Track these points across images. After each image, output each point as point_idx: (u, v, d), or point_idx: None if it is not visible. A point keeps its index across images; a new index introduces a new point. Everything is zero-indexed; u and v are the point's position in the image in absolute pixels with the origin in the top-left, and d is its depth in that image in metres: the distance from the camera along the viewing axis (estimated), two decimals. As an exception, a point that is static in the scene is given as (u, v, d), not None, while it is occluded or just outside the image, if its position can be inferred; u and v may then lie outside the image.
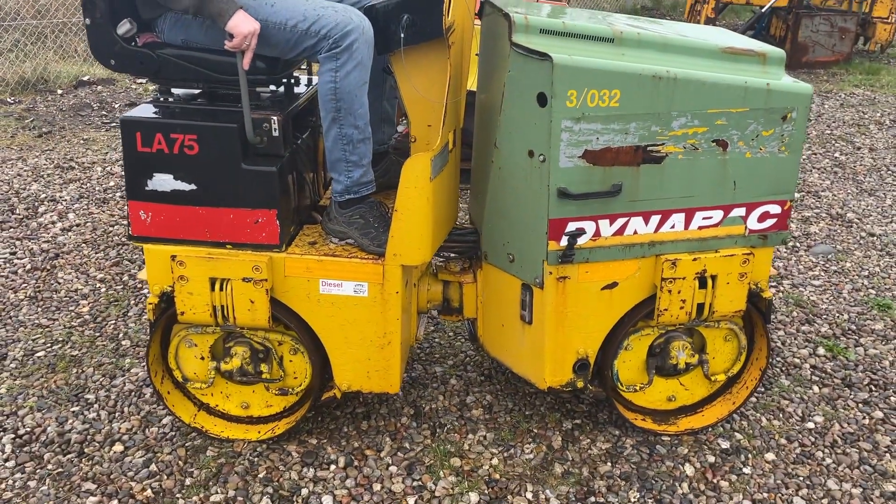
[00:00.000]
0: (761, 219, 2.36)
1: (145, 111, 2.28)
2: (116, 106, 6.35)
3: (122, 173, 2.45)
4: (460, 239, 2.57)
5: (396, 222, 2.24)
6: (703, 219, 2.32)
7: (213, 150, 2.18)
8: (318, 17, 2.15)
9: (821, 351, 3.08)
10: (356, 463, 2.42)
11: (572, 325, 2.35)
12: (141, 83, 7.00)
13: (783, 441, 2.55)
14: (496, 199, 2.37)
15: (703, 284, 2.34)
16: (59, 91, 6.65)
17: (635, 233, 2.28)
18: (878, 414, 2.68)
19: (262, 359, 2.47)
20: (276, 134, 2.21)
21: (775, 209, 2.36)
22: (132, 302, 3.30)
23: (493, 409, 2.67)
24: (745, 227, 2.36)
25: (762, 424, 2.61)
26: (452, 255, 2.62)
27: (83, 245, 3.79)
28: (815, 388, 2.83)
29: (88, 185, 4.56)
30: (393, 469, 2.39)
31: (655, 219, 2.28)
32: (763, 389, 2.78)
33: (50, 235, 3.90)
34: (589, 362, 2.40)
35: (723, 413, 2.62)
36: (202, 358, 2.47)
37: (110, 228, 4.00)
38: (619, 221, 2.25)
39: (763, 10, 8.56)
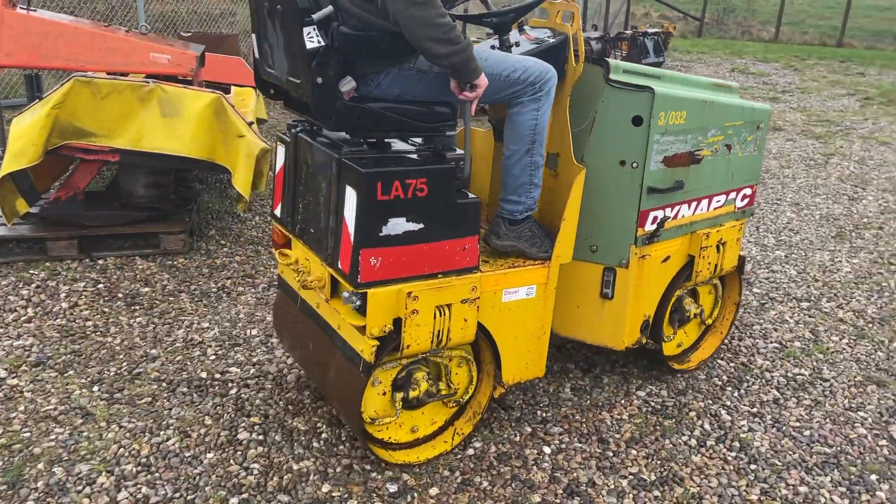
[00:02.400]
0: (743, 199, 3.26)
1: (376, 164, 2.28)
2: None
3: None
4: None
5: (564, 229, 2.66)
6: (716, 202, 3.13)
7: (439, 189, 2.33)
8: (525, 68, 2.53)
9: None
10: None
11: (643, 295, 2.93)
12: None
13: (446, 473, 2.65)
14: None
15: (718, 250, 3.10)
16: None
17: (682, 216, 2.98)
18: (528, 429, 2.93)
19: (435, 379, 2.62)
20: (465, 171, 2.46)
21: (749, 191, 3.29)
22: None
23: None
24: (735, 206, 3.23)
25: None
26: None
27: None
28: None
29: None
30: None
31: (693, 205, 3.01)
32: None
33: None
34: (650, 322, 3.02)
35: (716, 343, 3.44)
36: (384, 393, 2.53)
37: None
38: (677, 209, 2.93)
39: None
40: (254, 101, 5.16)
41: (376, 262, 2.29)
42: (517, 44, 2.76)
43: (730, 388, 3.24)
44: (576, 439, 2.83)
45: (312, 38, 2.16)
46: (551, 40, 2.78)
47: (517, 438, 2.81)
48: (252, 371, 3.19)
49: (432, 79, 2.42)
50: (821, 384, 3.31)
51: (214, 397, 2.99)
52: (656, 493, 2.57)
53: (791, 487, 2.62)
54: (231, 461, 2.61)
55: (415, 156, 2.42)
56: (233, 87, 5.25)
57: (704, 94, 2.97)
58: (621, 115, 2.73)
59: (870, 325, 3.92)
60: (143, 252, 4.29)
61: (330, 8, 2.19)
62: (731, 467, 2.71)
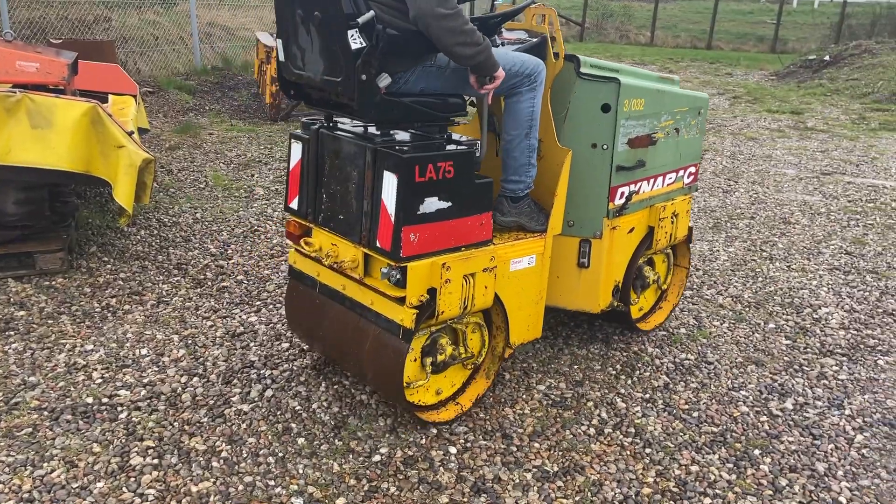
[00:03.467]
0: (689, 176, 3.70)
1: (412, 151, 2.53)
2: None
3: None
4: None
5: (556, 204, 3.03)
6: (669, 179, 3.54)
7: (462, 171, 2.62)
8: (522, 62, 2.84)
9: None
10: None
11: (613, 262, 3.30)
12: None
13: (353, 482, 2.61)
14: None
15: (672, 221, 3.53)
16: None
17: (644, 192, 3.36)
18: (433, 431, 2.95)
19: (455, 344, 2.89)
20: (481, 154, 2.84)
21: (693, 169, 3.74)
22: None
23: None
24: (683, 182, 3.66)
25: (334, 471, 2.66)
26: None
27: None
28: (381, 421, 2.90)
29: None
30: None
31: (652, 181, 3.40)
32: (333, 435, 2.84)
33: None
34: (619, 287, 3.39)
35: (672, 306, 3.90)
36: (415, 360, 2.78)
37: None
38: (639, 185, 3.31)
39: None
40: (134, 109, 4.92)
41: (415, 238, 2.56)
42: (503, 44, 3.06)
43: (623, 377, 3.38)
44: (481, 437, 2.87)
45: (356, 40, 2.42)
46: (534, 40, 3.12)
47: (423, 441, 2.82)
48: (143, 393, 3.04)
49: (449, 74, 2.73)
50: (705, 367, 3.51)
51: (102, 423, 2.82)
52: (559, 483, 2.64)
53: (684, 467, 2.76)
54: (124, 489, 2.48)
55: (437, 142, 2.70)
56: (111, 96, 4.99)
57: (656, 84, 3.35)
58: (592, 104, 3.10)
59: (747, 309, 4.18)
60: (17, 273, 4.01)
61: (372, 13, 2.44)
62: (628, 452, 2.83)
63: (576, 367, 3.43)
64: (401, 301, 2.62)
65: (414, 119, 2.70)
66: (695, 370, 3.48)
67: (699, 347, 3.70)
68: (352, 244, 2.77)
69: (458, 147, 2.68)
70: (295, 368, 3.28)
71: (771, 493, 2.64)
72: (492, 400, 3.13)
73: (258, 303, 3.94)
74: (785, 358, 3.64)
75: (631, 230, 3.37)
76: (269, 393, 3.08)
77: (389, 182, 2.52)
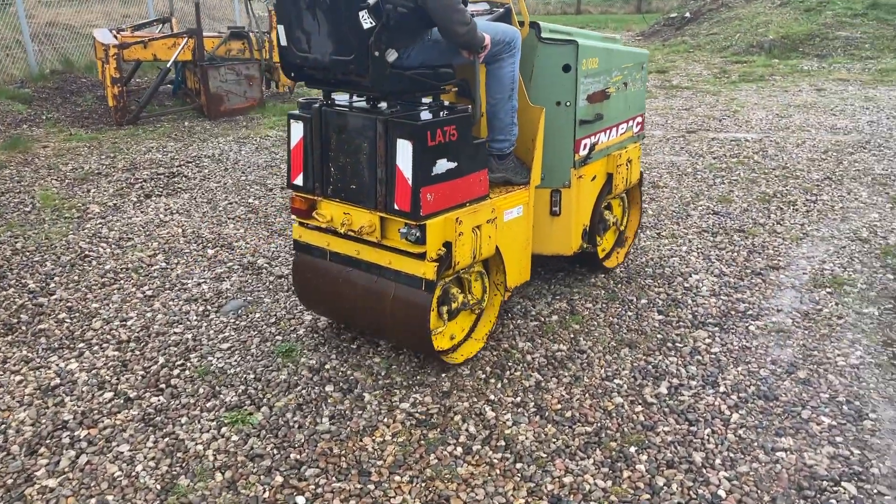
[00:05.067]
0: (637, 125, 4.04)
1: (422, 118, 2.75)
2: None
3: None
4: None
5: (536, 158, 3.31)
6: (622, 129, 3.85)
7: (463, 133, 2.88)
8: (501, 31, 3.08)
9: (224, 431, 2.73)
10: None
11: (580, 208, 3.60)
12: None
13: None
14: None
15: (627, 167, 3.86)
16: None
17: (602, 142, 3.65)
18: (279, 479, 2.48)
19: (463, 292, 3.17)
20: (476, 116, 3.02)
21: (640, 119, 4.08)
22: None
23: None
24: (633, 131, 4.00)
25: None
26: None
27: None
28: (217, 476, 2.49)
29: None
30: None
31: (609, 132, 3.70)
32: (158, 502, 2.44)
33: None
34: (587, 230, 3.70)
35: (630, 243, 4.29)
36: (433, 310, 2.97)
37: None
38: (599, 136, 3.60)
39: (168, 66, 8.49)
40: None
41: (431, 198, 2.78)
42: (472, 16, 3.10)
43: (493, 380, 3.13)
44: (333, 478, 2.54)
45: (367, 20, 2.59)
46: (500, 10, 3.40)
47: (266, 494, 2.46)
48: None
49: (443, 47, 2.94)
50: (578, 357, 3.31)
51: None
52: (422, 522, 2.35)
53: (556, 480, 2.53)
54: None
55: (439, 109, 2.89)
56: None
57: (605, 44, 3.69)
58: (554, 65, 3.38)
59: (619, 286, 4.03)
60: None
61: None
62: (498, 471, 2.57)
63: (444, 375, 3.15)
64: (421, 256, 2.86)
65: (416, 89, 2.95)
66: (567, 362, 3.27)
67: (571, 335, 3.50)
68: (367, 210, 2.94)
69: (458, 111, 2.91)
70: (119, 423, 2.84)
71: (648, 496, 2.44)
72: (349, 430, 2.80)
73: (81, 345, 3.44)
74: (658, 336, 3.49)
75: (593, 178, 3.71)
76: (83, 459, 2.62)
77: (404, 148, 2.74)
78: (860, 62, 11.95)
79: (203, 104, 8.74)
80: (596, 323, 3.62)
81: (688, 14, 16.82)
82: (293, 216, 3.29)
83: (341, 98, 3.11)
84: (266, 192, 5.78)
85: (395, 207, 2.81)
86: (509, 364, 3.25)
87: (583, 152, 3.52)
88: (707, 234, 4.78)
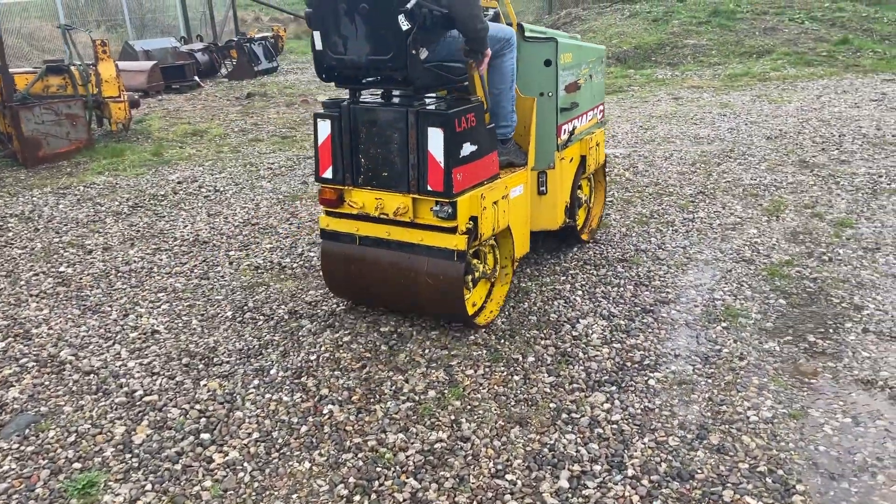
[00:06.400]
0: (600, 113, 4.62)
1: (448, 108, 3.16)
2: None
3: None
4: None
5: (532, 142, 3.82)
6: (589, 116, 4.38)
7: (479, 119, 3.29)
8: (501, 28, 3.58)
9: None
10: None
11: (562, 187, 4.09)
12: None
13: None
14: None
15: (596, 149, 4.43)
16: None
17: (576, 128, 4.16)
18: None
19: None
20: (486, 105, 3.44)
21: (602, 107, 4.65)
22: None
23: None
24: (598, 118, 4.56)
25: None
26: None
27: None
28: None
29: None
30: None
31: (581, 118, 4.24)
32: None
33: None
34: (568, 207, 4.18)
35: (598, 216, 4.86)
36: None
37: None
38: (573, 123, 4.11)
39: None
40: None
41: (461, 178, 3.18)
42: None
43: (358, 497, 2.49)
44: None
45: (404, 23, 2.99)
46: (490, 12, 3.84)
47: None
48: None
49: (458, 43, 3.29)
50: (461, 448, 2.74)
51: None
52: None
53: None
54: None
55: (457, 100, 3.33)
56: None
57: (574, 41, 4.13)
58: (537, 61, 3.82)
59: (502, 343, 3.51)
60: None
61: None
62: None
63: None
64: (452, 231, 3.23)
65: (442, 82, 3.40)
66: (449, 457, 2.69)
67: (452, 416, 2.93)
68: (399, 194, 3.29)
69: (474, 101, 3.30)
70: None
71: None
72: None
73: None
74: (551, 405, 2.99)
75: (571, 160, 4.16)
76: None
77: (435, 135, 3.11)
78: (709, 68, 12.32)
79: (17, 150, 7.57)
80: (479, 396, 3.08)
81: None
82: (322, 206, 3.55)
83: (364, 95, 3.52)
84: (83, 257, 4.86)
85: (429, 188, 3.17)
86: (377, 470, 2.62)
87: (563, 137, 3.97)
88: (589, 267, 4.38)
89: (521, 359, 3.37)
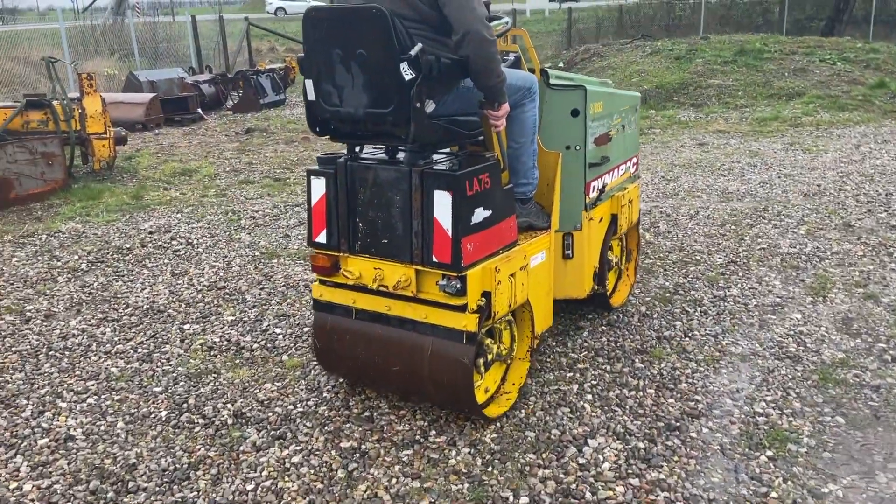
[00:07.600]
0: (634, 165, 4.22)
1: (458, 168, 2.76)
2: None
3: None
4: None
5: (556, 202, 3.39)
6: (622, 170, 4.01)
7: (494, 180, 2.88)
8: (522, 77, 3.16)
9: None
10: None
11: (590, 251, 3.65)
12: None
13: None
14: None
15: (629, 206, 3.98)
16: None
17: (607, 184, 3.77)
18: None
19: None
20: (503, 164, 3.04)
21: (636, 159, 4.24)
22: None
23: None
24: (631, 171, 4.16)
25: None
26: None
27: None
28: None
29: None
30: None
31: (613, 173, 3.85)
32: None
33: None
34: (597, 272, 3.73)
35: (631, 283, 4.36)
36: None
37: None
38: (603, 178, 3.72)
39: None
40: None
41: (471, 247, 2.78)
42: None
43: None
44: None
45: (407, 72, 2.61)
46: (510, 58, 3.47)
47: None
48: None
49: (473, 96, 2.91)
50: None
51: None
52: None
53: None
54: None
55: (469, 158, 2.90)
56: None
57: (606, 88, 3.74)
58: (563, 110, 3.47)
59: (491, 471, 2.79)
60: None
61: (420, 45, 2.62)
62: None
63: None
64: (461, 308, 2.79)
65: (452, 138, 2.96)
66: None
67: None
68: (401, 264, 2.88)
69: (489, 159, 2.89)
70: None
71: None
72: None
73: None
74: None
75: (601, 220, 3.72)
76: None
77: (443, 200, 2.72)
78: (735, 111, 11.65)
79: (-9, 191, 7.02)
80: None
81: (561, 64, 16.44)
82: (314, 274, 3.16)
83: (364, 151, 3.12)
84: (18, 327, 4.22)
85: (434, 260, 2.79)
86: None
87: (592, 194, 3.59)
88: (602, 360, 3.67)
89: (510, 499, 2.65)
